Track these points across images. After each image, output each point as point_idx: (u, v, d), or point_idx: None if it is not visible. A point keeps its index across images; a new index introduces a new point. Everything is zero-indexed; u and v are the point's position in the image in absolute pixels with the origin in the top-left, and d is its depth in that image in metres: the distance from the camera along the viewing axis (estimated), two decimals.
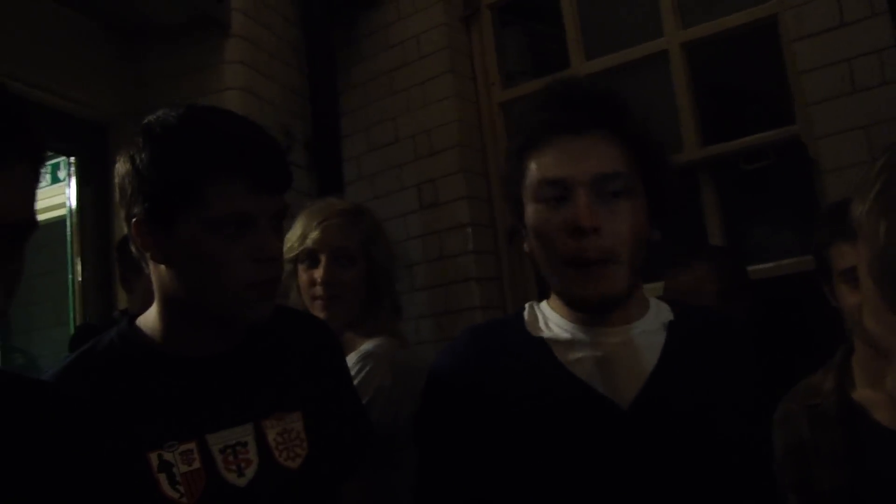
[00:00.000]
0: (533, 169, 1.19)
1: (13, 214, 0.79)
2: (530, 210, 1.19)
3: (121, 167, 1.14)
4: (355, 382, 1.70)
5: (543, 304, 1.30)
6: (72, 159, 2.89)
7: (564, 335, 1.22)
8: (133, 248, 1.17)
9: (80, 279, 2.84)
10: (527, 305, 1.31)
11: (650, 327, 1.23)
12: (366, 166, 3.14)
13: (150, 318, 1.20)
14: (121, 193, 1.14)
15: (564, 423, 1.15)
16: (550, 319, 1.26)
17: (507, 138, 2.99)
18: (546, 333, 1.24)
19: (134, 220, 1.12)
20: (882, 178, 0.57)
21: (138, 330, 1.20)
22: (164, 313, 1.18)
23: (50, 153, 3.18)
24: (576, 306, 1.19)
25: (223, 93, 2.78)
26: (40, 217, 0.87)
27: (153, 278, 1.18)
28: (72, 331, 2.65)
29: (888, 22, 2.14)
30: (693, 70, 2.69)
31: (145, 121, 1.15)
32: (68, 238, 2.88)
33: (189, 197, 1.08)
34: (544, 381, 1.19)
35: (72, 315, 2.83)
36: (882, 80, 2.14)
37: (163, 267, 1.15)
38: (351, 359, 1.77)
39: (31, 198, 0.83)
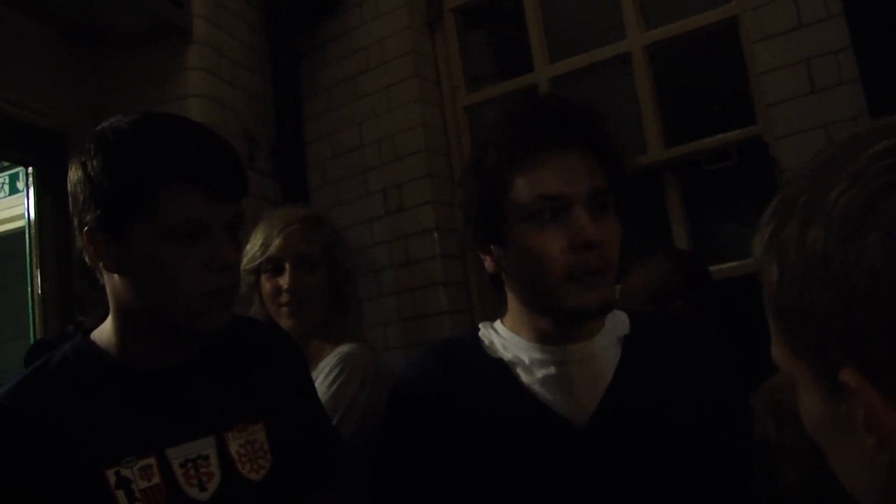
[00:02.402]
0: (522, 185, 1.15)
1: None
2: (519, 228, 1.16)
3: (73, 174, 1.11)
4: (336, 383, 1.69)
5: (497, 324, 1.28)
6: (30, 169, 2.84)
7: (523, 356, 1.21)
8: (86, 258, 1.14)
9: (39, 292, 2.79)
10: (480, 326, 1.30)
11: (606, 342, 1.22)
12: (331, 172, 3.12)
13: (104, 331, 1.18)
14: (73, 201, 1.12)
15: (522, 443, 1.15)
16: (508, 340, 1.24)
17: (473, 150, 2.98)
18: (505, 355, 1.23)
19: (86, 228, 1.10)
20: (774, 221, 0.58)
21: (92, 344, 1.17)
22: (119, 325, 1.15)
23: (8, 163, 3.13)
24: (567, 318, 1.18)
25: (185, 100, 2.75)
26: None
27: (107, 289, 1.15)
28: (31, 344, 2.60)
29: (844, 24, 2.17)
30: (656, 72, 2.70)
31: (98, 127, 1.13)
32: (27, 250, 2.82)
33: (142, 203, 1.06)
34: (504, 403, 1.19)
35: (32, 329, 2.78)
36: (840, 81, 2.17)
37: (116, 277, 1.12)
38: (329, 362, 1.76)
39: None
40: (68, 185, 1.13)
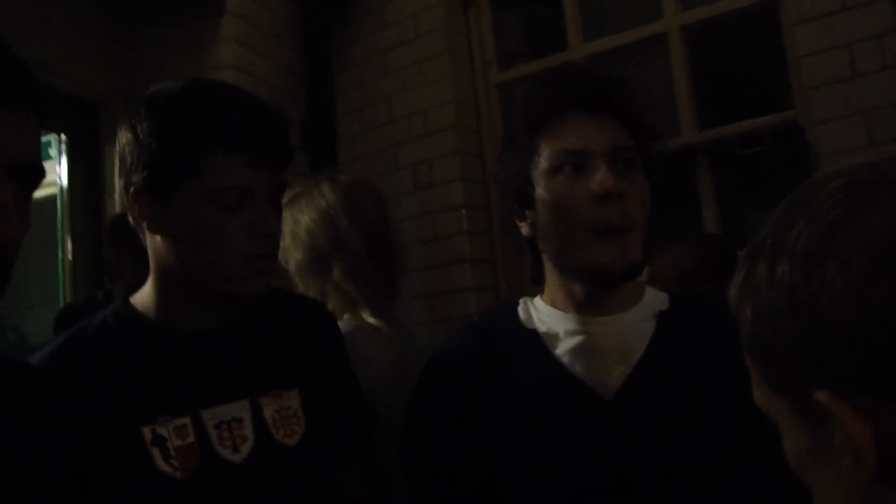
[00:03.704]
0: (548, 144, 1.19)
1: (21, 155, 0.80)
2: (545, 185, 1.19)
3: (122, 136, 1.13)
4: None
5: (536, 299, 1.29)
6: (63, 137, 2.86)
7: (555, 326, 1.22)
8: (130, 219, 1.17)
9: (69, 258, 2.82)
10: (520, 301, 1.31)
11: (641, 316, 1.22)
12: (360, 146, 3.12)
13: (144, 294, 1.20)
14: (121, 163, 1.14)
15: (551, 414, 1.15)
16: (543, 313, 1.25)
17: (503, 120, 2.97)
18: (540, 327, 1.23)
19: (132, 189, 1.11)
20: (745, 266, 0.62)
21: (132, 307, 1.19)
22: (159, 287, 1.17)
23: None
24: (597, 278, 1.18)
25: (218, 71, 2.75)
26: None
27: (149, 250, 1.17)
28: (59, 309, 2.63)
29: (889, 6, 2.12)
30: (692, 53, 2.67)
31: (149, 91, 1.14)
32: (58, 217, 2.85)
33: (188, 168, 1.08)
34: (535, 373, 1.19)
35: (61, 294, 2.81)
36: (882, 66, 2.13)
37: (158, 238, 1.14)
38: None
39: (37, 143, 0.83)
40: (117, 146, 1.15)
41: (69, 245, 2.83)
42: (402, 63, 3.05)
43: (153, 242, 1.16)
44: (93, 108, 2.89)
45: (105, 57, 2.87)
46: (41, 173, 0.84)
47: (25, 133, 0.80)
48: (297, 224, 1.80)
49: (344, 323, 1.69)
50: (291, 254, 1.82)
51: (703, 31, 2.65)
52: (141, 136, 1.09)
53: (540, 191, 1.19)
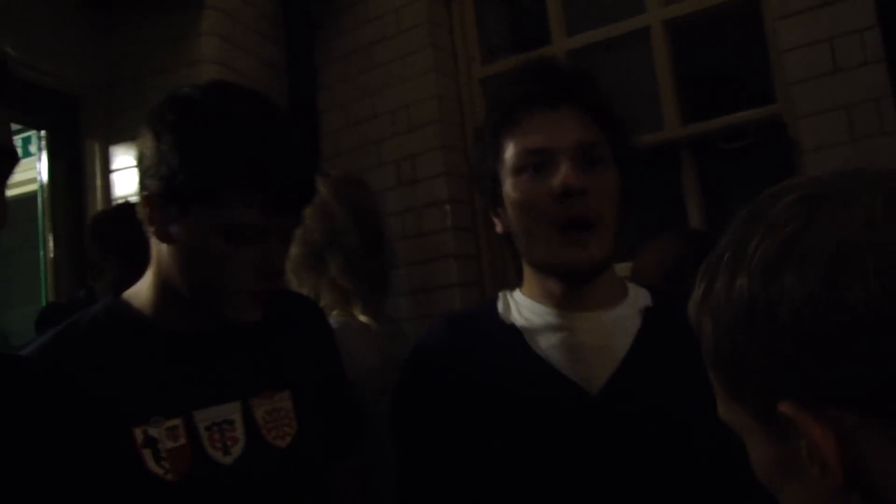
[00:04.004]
0: (512, 142, 1.19)
1: None
2: (510, 183, 1.19)
3: (145, 135, 1.10)
4: None
5: (516, 292, 1.29)
6: (43, 133, 2.83)
7: (537, 321, 1.22)
8: (139, 216, 1.14)
9: (52, 255, 2.80)
10: (500, 294, 1.31)
11: (625, 313, 1.22)
12: (343, 142, 3.10)
13: (140, 292, 1.18)
14: (138, 158, 1.12)
15: (535, 409, 1.15)
16: (523, 306, 1.25)
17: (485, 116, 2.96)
18: (518, 321, 1.23)
19: (146, 193, 1.10)
20: (704, 281, 0.63)
21: (125, 303, 1.18)
22: (157, 289, 1.16)
23: (20, 126, 3.13)
24: (563, 275, 1.18)
25: (198, 65, 2.74)
26: (10, 193, 0.84)
27: (152, 252, 1.15)
28: (41, 308, 2.61)
29: (871, 1, 2.13)
30: (675, 48, 2.67)
31: (180, 96, 1.10)
32: (40, 214, 2.83)
33: (206, 196, 1.05)
34: (516, 369, 1.19)
35: (43, 292, 2.79)
36: (863, 60, 2.13)
37: (164, 246, 1.12)
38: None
39: (8, 127, 0.80)
40: (138, 138, 1.11)
41: (51, 243, 2.80)
42: (385, 58, 3.03)
43: (157, 247, 1.14)
44: (73, 102, 2.86)
45: (85, 51, 2.84)
46: (13, 158, 0.81)
47: None
48: None
49: (333, 320, 1.69)
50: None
51: (685, 25, 2.66)
52: (163, 148, 1.06)
53: (507, 189, 1.20)
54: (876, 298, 0.51)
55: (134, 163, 2.81)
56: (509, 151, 1.19)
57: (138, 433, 1.07)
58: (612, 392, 1.14)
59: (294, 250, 1.80)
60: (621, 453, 1.11)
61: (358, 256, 1.82)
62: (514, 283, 1.33)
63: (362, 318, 1.80)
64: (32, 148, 2.85)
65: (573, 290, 1.20)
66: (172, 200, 1.07)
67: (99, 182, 2.87)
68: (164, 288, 1.15)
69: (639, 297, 1.25)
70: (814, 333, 0.53)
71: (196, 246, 1.08)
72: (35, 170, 2.90)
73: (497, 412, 1.17)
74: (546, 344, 1.19)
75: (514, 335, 1.22)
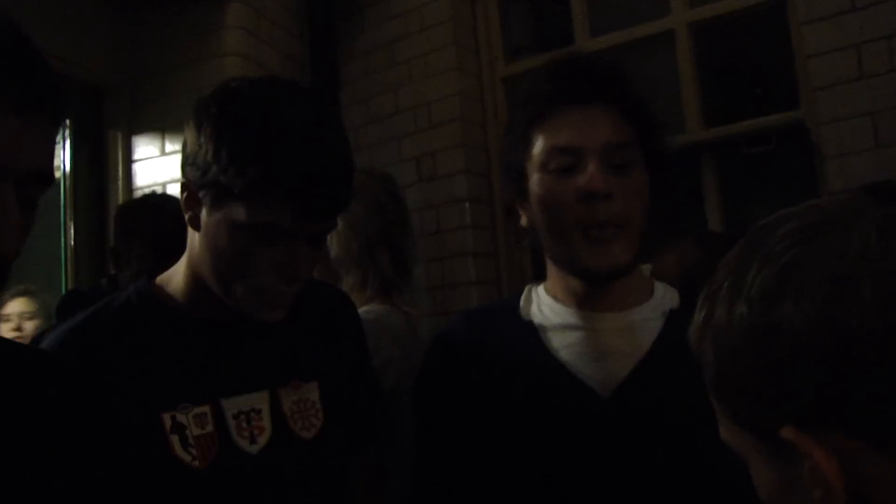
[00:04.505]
0: (541, 138, 1.18)
1: (36, 165, 0.77)
2: (536, 179, 1.18)
3: (190, 124, 1.09)
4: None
5: (540, 287, 1.28)
6: (67, 122, 2.85)
7: (555, 319, 1.21)
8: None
9: (72, 243, 2.82)
10: (526, 288, 1.30)
11: (649, 315, 1.20)
12: (364, 137, 3.11)
13: (173, 278, 1.18)
14: (183, 144, 1.11)
15: (546, 409, 1.14)
16: (544, 303, 1.24)
17: (508, 114, 2.96)
18: (537, 318, 1.22)
19: (184, 180, 1.10)
20: (704, 309, 0.64)
21: (158, 288, 1.18)
22: (189, 276, 1.15)
23: None
24: (583, 277, 1.17)
25: (222, 58, 2.75)
26: None
27: (188, 239, 1.15)
28: (63, 295, 2.63)
29: None
30: (699, 51, 2.66)
31: (228, 87, 1.09)
32: (62, 201, 2.85)
33: (235, 193, 1.03)
34: (529, 366, 1.18)
35: (64, 279, 2.81)
36: (890, 67, 2.12)
37: (196, 234, 1.12)
38: None
39: (51, 151, 0.81)
40: (186, 125, 1.10)
41: (72, 230, 2.83)
42: (407, 55, 3.04)
43: (191, 235, 1.14)
44: (97, 92, 2.88)
45: (110, 42, 2.87)
46: (50, 181, 0.82)
47: (40, 142, 0.78)
48: (349, 214, 1.83)
49: (376, 308, 1.81)
50: (339, 243, 1.86)
51: (710, 28, 2.65)
52: (202, 140, 1.05)
53: (533, 184, 1.19)
54: (872, 325, 0.52)
55: (156, 153, 2.84)
56: (538, 147, 1.18)
57: (167, 419, 1.07)
58: (623, 396, 1.13)
59: (352, 244, 1.86)
60: (627, 458, 1.10)
61: (406, 249, 1.93)
62: (532, 282, 1.33)
63: (407, 309, 1.89)
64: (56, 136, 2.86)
65: (594, 289, 1.19)
66: (206, 191, 1.07)
67: (121, 172, 2.89)
68: (195, 276, 1.15)
69: (666, 299, 1.23)
70: (813, 359, 0.54)
71: (221, 238, 1.07)
72: (58, 158, 2.92)
73: (509, 408, 1.16)
74: (562, 343, 1.18)
75: (531, 332, 1.21)
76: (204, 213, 1.09)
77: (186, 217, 1.12)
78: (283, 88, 1.10)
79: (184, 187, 1.11)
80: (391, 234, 1.90)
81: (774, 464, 0.60)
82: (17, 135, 0.74)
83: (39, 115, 0.76)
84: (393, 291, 1.89)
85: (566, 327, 1.20)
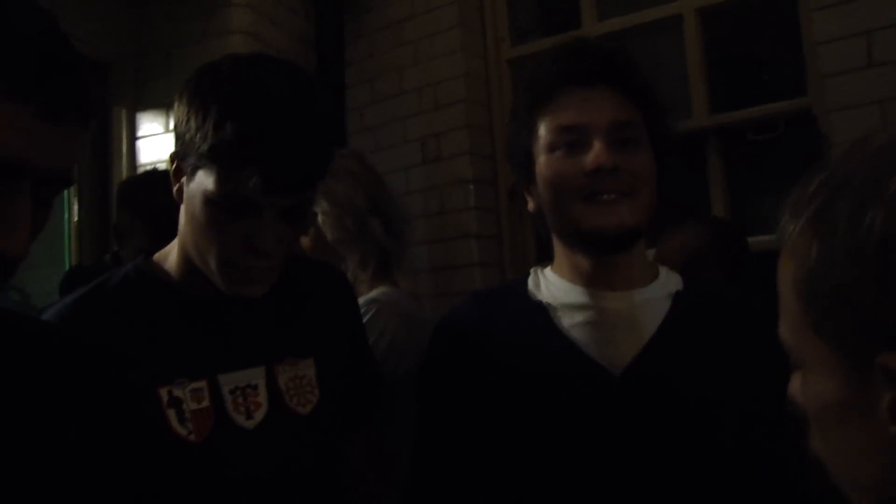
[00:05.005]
0: (546, 120, 1.19)
1: (58, 166, 0.76)
2: (543, 161, 1.19)
3: (181, 100, 1.09)
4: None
5: (547, 269, 1.29)
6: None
7: (564, 299, 1.21)
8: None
9: (76, 219, 2.82)
10: (532, 270, 1.30)
11: (655, 295, 1.21)
12: (369, 118, 3.10)
13: (170, 254, 1.19)
14: (173, 117, 1.13)
15: (556, 387, 1.15)
16: (552, 283, 1.25)
17: (514, 96, 2.95)
18: (545, 297, 1.23)
19: (173, 150, 1.11)
20: (819, 198, 0.57)
21: (156, 265, 1.19)
22: (181, 251, 1.17)
23: None
24: (590, 243, 1.18)
25: (228, 36, 2.74)
26: None
27: (180, 211, 1.16)
28: (66, 271, 2.64)
29: None
30: (707, 36, 2.64)
31: (211, 63, 1.09)
32: None
33: (208, 164, 1.04)
34: (539, 345, 1.19)
35: (66, 256, 2.81)
36: None
37: (183, 207, 1.13)
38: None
39: (74, 153, 0.80)
40: (177, 99, 1.11)
41: (76, 207, 2.83)
42: (413, 35, 3.02)
43: (182, 210, 1.15)
44: (103, 69, 2.87)
45: (116, 19, 2.85)
46: (69, 182, 0.81)
47: (64, 145, 0.76)
48: (334, 194, 1.88)
49: (378, 293, 1.84)
50: (332, 224, 1.88)
51: (718, 13, 2.63)
52: (181, 108, 1.07)
53: (539, 166, 1.20)
54: None
55: (160, 130, 2.84)
56: (543, 129, 1.20)
57: (163, 393, 1.09)
58: (634, 374, 1.14)
59: (347, 221, 1.90)
60: (640, 436, 1.11)
61: (397, 218, 1.98)
62: (535, 264, 1.34)
63: (400, 282, 1.95)
64: None
65: (602, 265, 1.20)
66: (185, 161, 1.08)
67: (125, 149, 2.89)
68: (184, 252, 1.16)
69: (670, 281, 1.25)
70: None
71: (196, 210, 1.08)
72: None
73: (518, 388, 1.17)
74: (572, 322, 1.19)
75: (541, 312, 1.22)
76: (185, 185, 1.10)
77: (174, 190, 1.13)
78: (266, 62, 1.11)
79: (171, 159, 1.12)
80: (377, 202, 1.94)
81: (846, 382, 0.56)
82: (41, 139, 0.73)
83: (66, 119, 0.75)
84: (394, 266, 1.94)
85: (574, 306, 1.20)
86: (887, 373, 0.51)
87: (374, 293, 1.84)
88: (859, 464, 0.57)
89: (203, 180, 1.05)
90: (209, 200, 1.05)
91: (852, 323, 0.54)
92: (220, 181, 1.03)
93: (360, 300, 1.68)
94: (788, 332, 0.61)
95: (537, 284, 1.27)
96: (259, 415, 1.14)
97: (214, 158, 1.03)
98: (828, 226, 0.55)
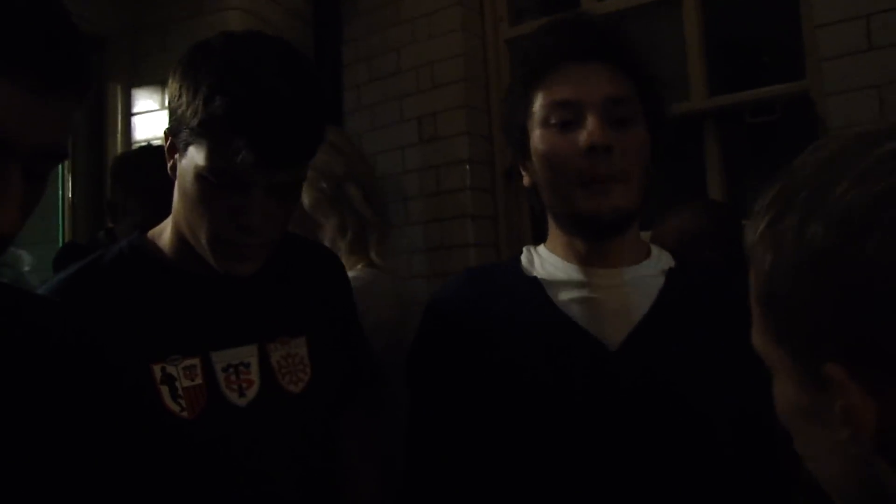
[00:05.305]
0: (540, 95, 1.19)
1: (52, 140, 0.76)
2: (538, 135, 1.19)
3: (174, 78, 1.09)
4: None
5: (541, 246, 1.30)
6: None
7: (559, 275, 1.22)
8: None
9: (70, 196, 2.81)
10: (524, 249, 1.31)
11: (648, 272, 1.22)
12: (366, 96, 3.09)
13: (164, 231, 1.19)
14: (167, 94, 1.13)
15: (552, 361, 1.15)
16: (546, 260, 1.26)
17: (511, 75, 2.94)
18: (540, 274, 1.24)
19: (167, 127, 1.12)
20: (772, 211, 0.59)
21: (150, 242, 1.20)
22: (174, 227, 1.17)
23: None
24: (585, 228, 1.18)
25: (225, 13, 2.72)
26: None
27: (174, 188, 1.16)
28: (60, 247, 2.63)
29: None
30: (706, 17, 2.63)
31: (205, 40, 1.09)
32: None
33: (198, 139, 1.04)
34: (535, 320, 1.19)
35: (60, 233, 2.80)
36: None
37: (177, 183, 1.13)
38: None
39: (68, 127, 0.79)
40: (171, 75, 1.11)
41: (70, 183, 2.82)
42: (411, 14, 3.00)
43: (175, 186, 1.15)
44: (98, 44, 2.85)
45: None
46: (64, 156, 0.80)
47: (57, 119, 0.76)
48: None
49: (356, 271, 1.85)
50: (308, 189, 1.90)
51: None
52: (174, 84, 1.07)
53: (534, 141, 1.20)
54: None
55: (156, 107, 2.82)
56: (538, 103, 1.20)
57: (157, 370, 1.09)
58: (630, 349, 1.15)
59: (322, 184, 1.92)
60: (636, 410, 1.12)
61: (374, 185, 2.01)
62: (530, 245, 1.34)
63: (376, 259, 1.95)
64: None
65: (596, 245, 1.20)
66: (178, 137, 1.08)
67: (120, 125, 2.87)
68: (177, 228, 1.17)
69: (662, 259, 1.26)
70: (889, 301, 0.49)
71: (188, 185, 1.08)
72: None
73: (513, 362, 1.17)
74: (566, 298, 1.20)
75: (535, 287, 1.22)
76: (178, 161, 1.10)
77: (168, 167, 1.13)
78: (259, 39, 1.11)
79: (165, 136, 1.12)
80: (356, 172, 1.97)
81: (804, 388, 0.57)
82: (32, 112, 0.72)
83: (59, 92, 0.74)
84: (375, 243, 1.95)
85: (569, 283, 1.21)
86: (831, 382, 0.53)
87: (352, 275, 1.84)
88: (830, 463, 0.59)
89: (194, 156, 1.06)
90: (199, 176, 1.06)
91: (803, 331, 0.56)
92: (209, 156, 1.04)
93: None
94: (758, 339, 0.63)
95: (531, 261, 1.27)
96: (251, 392, 1.15)
97: (204, 133, 1.03)
98: (777, 238, 0.57)
